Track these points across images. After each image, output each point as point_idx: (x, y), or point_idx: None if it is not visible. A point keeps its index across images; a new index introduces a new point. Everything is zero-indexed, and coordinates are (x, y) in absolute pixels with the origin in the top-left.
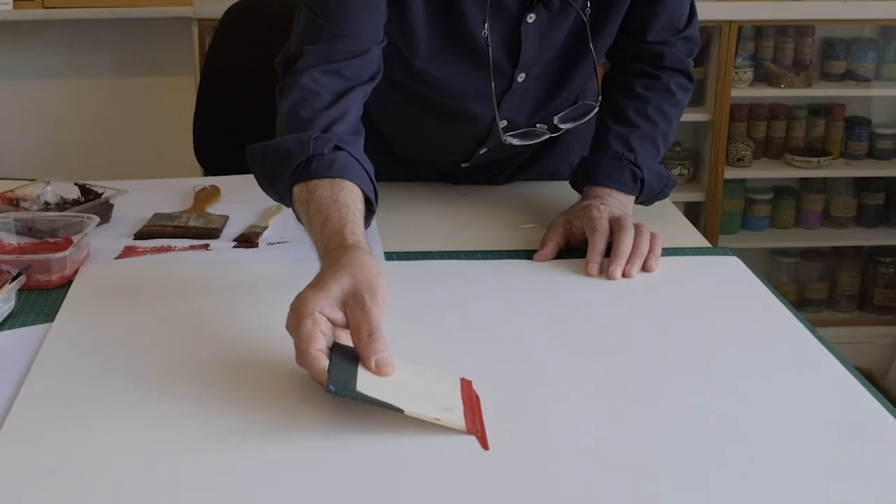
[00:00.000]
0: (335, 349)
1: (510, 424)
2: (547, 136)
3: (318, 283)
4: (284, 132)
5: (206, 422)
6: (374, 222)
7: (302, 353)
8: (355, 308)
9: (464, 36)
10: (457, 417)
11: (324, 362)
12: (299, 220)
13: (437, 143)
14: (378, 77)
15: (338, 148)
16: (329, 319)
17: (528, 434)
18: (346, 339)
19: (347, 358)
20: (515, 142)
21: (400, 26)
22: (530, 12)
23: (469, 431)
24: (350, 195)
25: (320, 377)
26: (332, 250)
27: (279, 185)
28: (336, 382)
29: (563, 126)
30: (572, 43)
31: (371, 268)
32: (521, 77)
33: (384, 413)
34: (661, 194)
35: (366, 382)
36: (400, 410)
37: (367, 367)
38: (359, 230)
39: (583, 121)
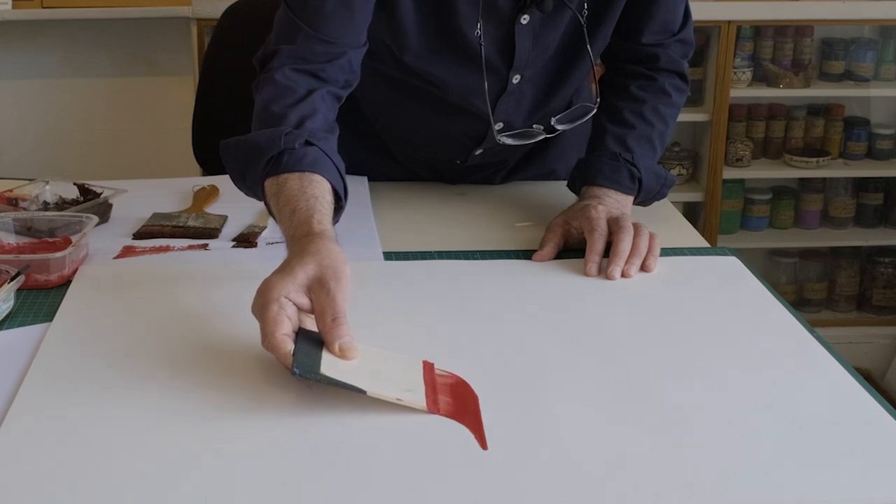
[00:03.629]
0: (300, 334)
1: (509, 424)
2: (542, 137)
3: (284, 269)
4: (257, 127)
5: (205, 420)
6: (372, 222)
7: (268, 336)
8: (320, 293)
9: (456, 35)
10: (418, 398)
11: (289, 346)
12: (271, 213)
13: (433, 142)
14: (354, 84)
15: (308, 143)
16: (295, 304)
17: (526, 434)
18: (311, 324)
19: (312, 342)
20: (510, 142)
21: (389, 23)
22: (524, 13)
23: (430, 411)
24: (319, 188)
25: (285, 360)
26: (299, 238)
27: (250, 179)
28: (300, 365)
29: (560, 127)
30: (568, 44)
31: (337, 255)
32: (515, 79)
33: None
34: (659, 194)
35: (330, 366)
36: (363, 392)
37: (331, 351)
38: (326, 220)
39: (580, 122)
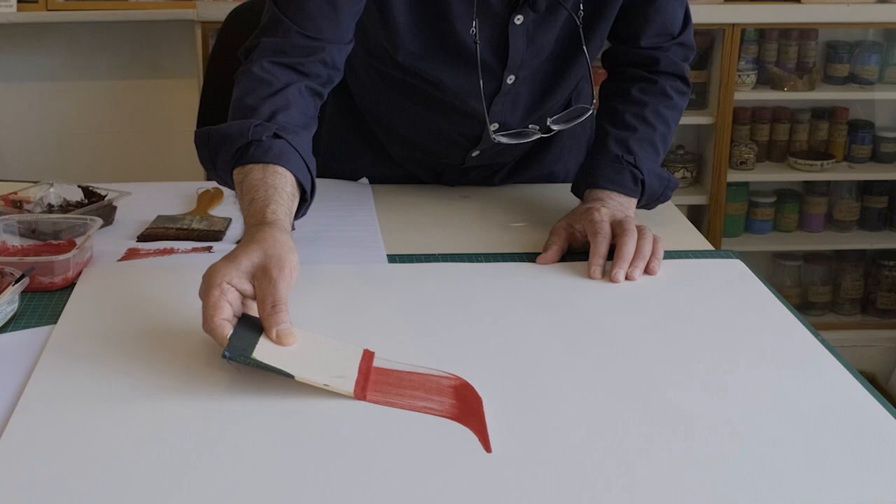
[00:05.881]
0: (242, 319)
1: (513, 427)
2: (538, 137)
3: (230, 256)
4: (231, 118)
5: (209, 423)
6: (376, 225)
7: (207, 320)
8: (263, 280)
9: (450, 34)
10: (347, 384)
11: (226, 330)
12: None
13: (430, 142)
14: (336, 80)
15: (277, 136)
16: (238, 290)
17: (530, 437)
18: (255, 310)
19: (251, 327)
20: (505, 140)
21: (383, 22)
22: (517, 13)
23: (356, 397)
24: (281, 179)
25: (222, 344)
26: (252, 227)
27: (220, 168)
28: (232, 349)
29: (555, 127)
30: (564, 45)
31: (283, 244)
32: (510, 79)
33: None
34: (662, 196)
35: (265, 351)
36: (291, 376)
37: (269, 337)
38: (281, 210)
39: (576, 122)
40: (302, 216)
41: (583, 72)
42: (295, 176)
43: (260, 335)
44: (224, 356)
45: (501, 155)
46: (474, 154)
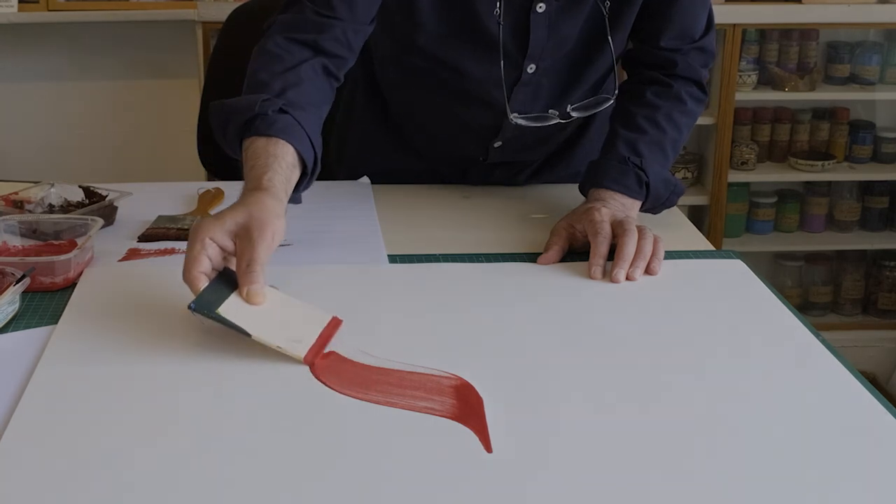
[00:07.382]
0: (222, 273)
1: (513, 427)
2: (556, 122)
3: (218, 215)
4: (245, 93)
5: (209, 422)
6: (377, 225)
7: (185, 272)
8: (243, 240)
9: (472, 17)
10: (300, 349)
11: (200, 283)
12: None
13: (452, 133)
14: (350, 61)
15: (283, 111)
16: (220, 247)
17: (530, 437)
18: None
19: (227, 283)
20: (523, 122)
21: (405, 2)
22: (539, 1)
23: (305, 362)
24: (282, 151)
25: (196, 294)
26: (247, 191)
27: (229, 139)
28: (198, 301)
29: (575, 114)
30: (588, 37)
31: (270, 209)
32: (530, 68)
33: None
34: (668, 202)
35: (232, 308)
36: (248, 335)
37: (241, 295)
38: (277, 178)
39: (595, 111)
40: (304, 189)
41: (607, 65)
42: (297, 150)
43: (232, 292)
44: (189, 307)
45: (526, 150)
46: (496, 145)
